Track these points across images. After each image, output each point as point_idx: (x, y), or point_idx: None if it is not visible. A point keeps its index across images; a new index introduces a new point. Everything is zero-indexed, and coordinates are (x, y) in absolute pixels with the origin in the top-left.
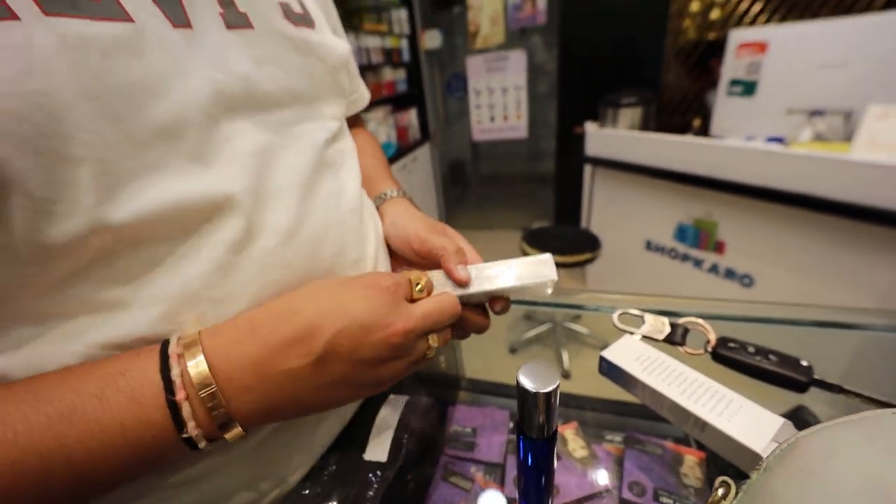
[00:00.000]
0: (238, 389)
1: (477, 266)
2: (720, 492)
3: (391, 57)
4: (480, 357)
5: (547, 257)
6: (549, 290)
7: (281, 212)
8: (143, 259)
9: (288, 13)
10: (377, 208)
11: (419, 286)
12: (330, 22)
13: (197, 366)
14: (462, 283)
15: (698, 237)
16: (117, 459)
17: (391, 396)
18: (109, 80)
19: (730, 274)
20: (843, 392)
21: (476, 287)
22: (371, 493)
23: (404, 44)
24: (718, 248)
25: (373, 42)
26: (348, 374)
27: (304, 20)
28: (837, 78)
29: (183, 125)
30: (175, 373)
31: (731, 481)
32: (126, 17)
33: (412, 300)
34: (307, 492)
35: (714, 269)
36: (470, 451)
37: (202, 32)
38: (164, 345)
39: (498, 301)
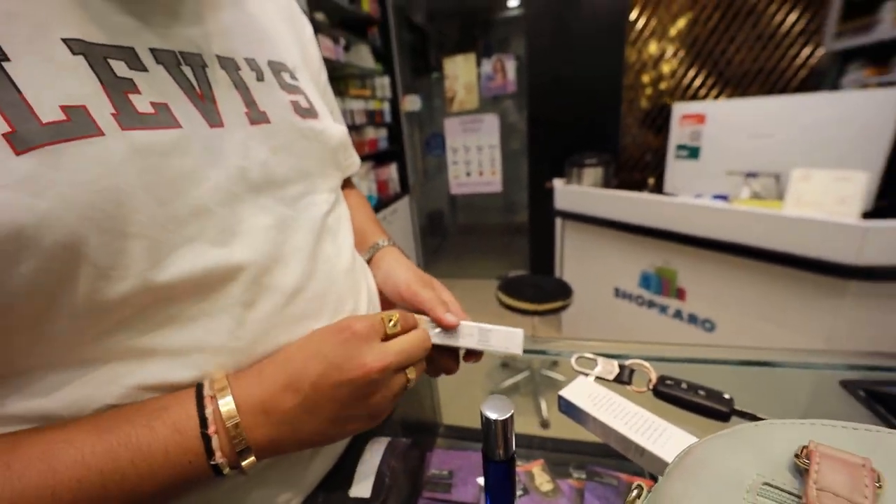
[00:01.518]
0: (252, 425)
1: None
2: (634, 493)
3: (374, 118)
4: (461, 404)
5: (518, 332)
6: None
7: (289, 274)
8: (173, 314)
9: (297, 108)
10: (371, 258)
11: (392, 322)
12: (328, 106)
13: (226, 405)
14: (449, 327)
15: (661, 284)
16: (160, 479)
17: (374, 438)
18: (163, 174)
19: (692, 319)
20: (757, 419)
21: (452, 340)
22: None
23: (386, 106)
24: (680, 294)
25: (357, 105)
26: (337, 410)
27: (309, 113)
28: (766, 145)
29: (214, 205)
30: (209, 411)
31: (644, 484)
32: (177, 125)
33: (386, 337)
34: None
35: (678, 314)
36: (447, 492)
37: (231, 130)
38: (199, 388)
39: (471, 355)
